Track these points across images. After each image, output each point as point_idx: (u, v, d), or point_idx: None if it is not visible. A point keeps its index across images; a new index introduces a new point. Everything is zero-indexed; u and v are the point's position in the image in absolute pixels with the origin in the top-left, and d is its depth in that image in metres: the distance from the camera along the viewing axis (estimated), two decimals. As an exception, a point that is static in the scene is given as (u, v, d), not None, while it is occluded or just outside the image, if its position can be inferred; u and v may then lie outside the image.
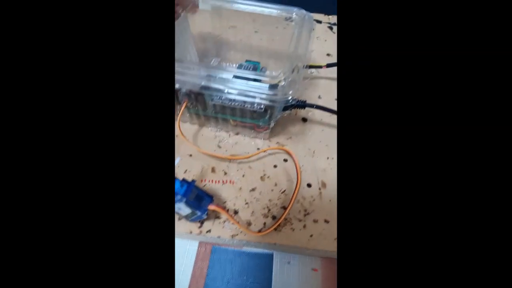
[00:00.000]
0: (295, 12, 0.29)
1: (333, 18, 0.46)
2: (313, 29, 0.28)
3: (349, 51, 0.12)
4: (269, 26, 0.30)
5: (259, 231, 0.25)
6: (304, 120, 0.33)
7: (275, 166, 0.29)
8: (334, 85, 0.36)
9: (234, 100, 0.25)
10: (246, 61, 0.34)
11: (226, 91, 0.24)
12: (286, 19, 0.29)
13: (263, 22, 0.30)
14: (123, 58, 0.12)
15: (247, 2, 0.29)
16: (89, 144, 0.11)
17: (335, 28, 0.44)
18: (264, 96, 0.23)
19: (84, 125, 0.12)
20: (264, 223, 0.25)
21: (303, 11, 0.29)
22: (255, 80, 0.23)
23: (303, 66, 0.28)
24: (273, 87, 0.24)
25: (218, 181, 0.27)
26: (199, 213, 0.22)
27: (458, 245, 0.11)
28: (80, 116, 0.12)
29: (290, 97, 0.24)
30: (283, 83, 0.24)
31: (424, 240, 0.11)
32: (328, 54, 0.40)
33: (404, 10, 0.12)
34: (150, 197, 0.12)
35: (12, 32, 0.11)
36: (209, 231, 0.25)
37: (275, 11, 0.29)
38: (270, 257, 0.26)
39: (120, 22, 0.12)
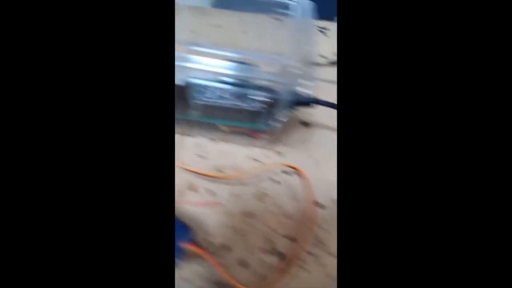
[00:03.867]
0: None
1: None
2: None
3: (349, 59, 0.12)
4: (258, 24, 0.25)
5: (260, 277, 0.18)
6: (304, 124, 0.27)
7: (274, 181, 0.22)
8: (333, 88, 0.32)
9: (225, 97, 0.19)
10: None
11: (215, 85, 0.18)
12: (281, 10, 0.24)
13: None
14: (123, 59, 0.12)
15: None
16: (87, 151, 0.11)
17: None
18: (267, 82, 0.17)
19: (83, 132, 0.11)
20: (265, 264, 0.18)
21: None
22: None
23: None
24: (281, 70, 0.18)
25: (201, 204, 0.20)
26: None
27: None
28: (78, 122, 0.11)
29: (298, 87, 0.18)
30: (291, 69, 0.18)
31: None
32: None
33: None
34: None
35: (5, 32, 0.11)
36: (187, 279, 0.17)
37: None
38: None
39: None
